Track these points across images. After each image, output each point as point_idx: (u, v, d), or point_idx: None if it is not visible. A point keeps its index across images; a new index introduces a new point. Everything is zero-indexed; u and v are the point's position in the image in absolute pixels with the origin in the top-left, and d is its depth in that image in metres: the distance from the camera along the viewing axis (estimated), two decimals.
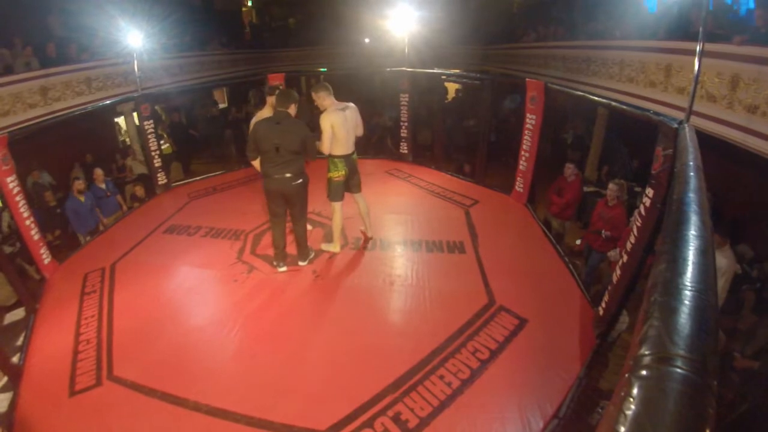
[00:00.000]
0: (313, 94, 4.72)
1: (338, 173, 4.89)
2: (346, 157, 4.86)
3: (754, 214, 5.89)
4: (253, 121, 5.22)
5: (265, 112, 5.30)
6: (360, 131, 4.97)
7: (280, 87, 5.91)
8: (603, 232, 5.35)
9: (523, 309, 4.19)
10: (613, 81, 7.95)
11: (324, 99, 4.66)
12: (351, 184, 5.14)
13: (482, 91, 7.47)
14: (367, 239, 5.52)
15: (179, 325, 4.33)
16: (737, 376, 3.88)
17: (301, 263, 5.03)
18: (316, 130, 4.67)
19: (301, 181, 4.56)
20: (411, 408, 3.19)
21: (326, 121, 4.58)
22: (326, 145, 4.66)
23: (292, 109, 4.45)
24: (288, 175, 4.46)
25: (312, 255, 5.14)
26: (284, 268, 4.95)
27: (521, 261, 5.04)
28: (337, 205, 5.05)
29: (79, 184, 6.62)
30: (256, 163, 4.65)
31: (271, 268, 4.96)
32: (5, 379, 3.82)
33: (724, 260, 4.20)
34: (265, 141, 4.35)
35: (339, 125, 4.61)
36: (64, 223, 7.00)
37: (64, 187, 7.26)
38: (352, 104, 4.82)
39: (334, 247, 5.26)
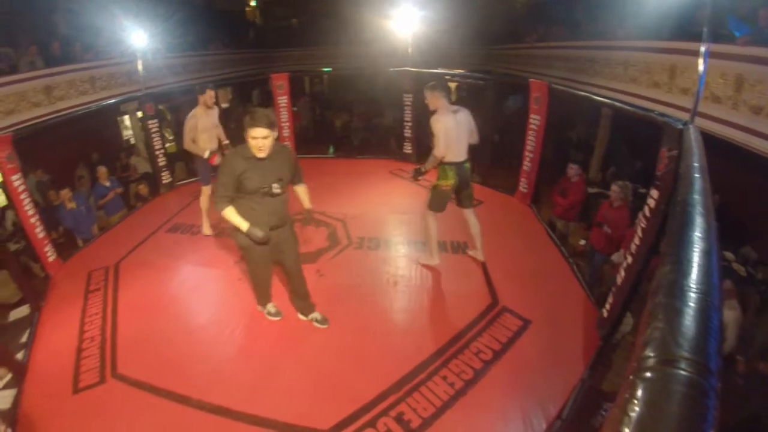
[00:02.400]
0: (428, 93, 4.33)
1: (447, 182, 4.43)
2: (458, 165, 4.40)
3: (759, 215, 5.87)
4: (188, 121, 5.28)
5: (199, 112, 5.31)
6: (475, 138, 4.48)
7: (208, 88, 5.39)
8: (605, 226, 5.33)
9: (526, 310, 4.19)
10: (617, 81, 7.94)
11: (438, 99, 4.27)
12: (462, 196, 4.68)
13: (485, 92, 7.47)
14: (477, 262, 4.99)
15: (183, 324, 4.35)
16: (741, 378, 3.87)
17: (301, 317, 4.20)
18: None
19: (288, 224, 3.64)
20: (414, 408, 3.20)
21: (439, 124, 4.19)
22: (441, 148, 4.23)
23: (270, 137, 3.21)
24: (279, 222, 3.49)
25: (318, 317, 4.15)
26: (279, 317, 4.23)
27: (525, 262, 5.04)
28: (432, 215, 4.66)
29: (65, 193, 6.54)
30: (230, 213, 3.31)
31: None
32: (9, 375, 3.84)
33: (731, 313, 4.19)
34: (251, 180, 3.25)
35: (451, 129, 4.22)
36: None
37: (67, 185, 7.27)
38: (464, 108, 4.42)
39: (433, 260, 4.91)
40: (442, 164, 4.41)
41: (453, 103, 4.41)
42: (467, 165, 4.50)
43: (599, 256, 5.55)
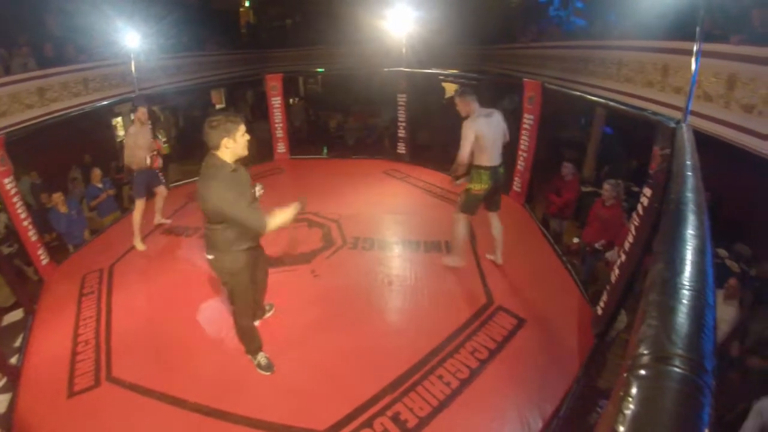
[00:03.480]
0: (458, 99, 4.33)
1: (481, 186, 4.38)
2: (493, 169, 4.35)
3: (752, 213, 5.91)
4: (127, 138, 5.50)
5: (136, 129, 5.48)
6: (506, 138, 4.47)
7: (140, 106, 5.62)
8: (597, 244, 5.36)
9: (521, 309, 4.20)
10: (611, 81, 7.96)
11: (469, 104, 4.26)
12: (492, 200, 4.63)
13: (479, 92, 7.47)
14: (497, 264, 4.98)
15: (178, 326, 4.33)
16: (736, 374, 3.89)
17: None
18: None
19: (213, 257, 3.24)
20: (410, 408, 3.20)
21: (470, 129, 4.15)
22: (464, 153, 4.19)
23: (227, 148, 2.97)
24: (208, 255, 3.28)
25: (261, 356, 3.71)
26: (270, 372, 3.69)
27: (519, 261, 5.05)
28: (463, 218, 4.63)
29: (58, 197, 6.50)
30: (273, 219, 3.08)
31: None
32: (4, 380, 3.82)
33: (730, 310, 4.22)
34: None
35: (484, 133, 4.18)
36: None
37: (60, 188, 7.23)
38: (497, 111, 4.39)
39: (457, 262, 4.87)
40: (477, 168, 4.36)
41: (482, 106, 4.37)
42: (501, 169, 4.46)
43: (592, 254, 5.57)
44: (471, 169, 4.40)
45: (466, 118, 4.26)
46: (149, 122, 5.80)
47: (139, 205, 5.74)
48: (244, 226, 3.04)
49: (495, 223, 4.78)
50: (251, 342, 3.63)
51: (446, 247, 5.29)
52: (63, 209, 6.41)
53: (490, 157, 4.30)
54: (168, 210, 6.54)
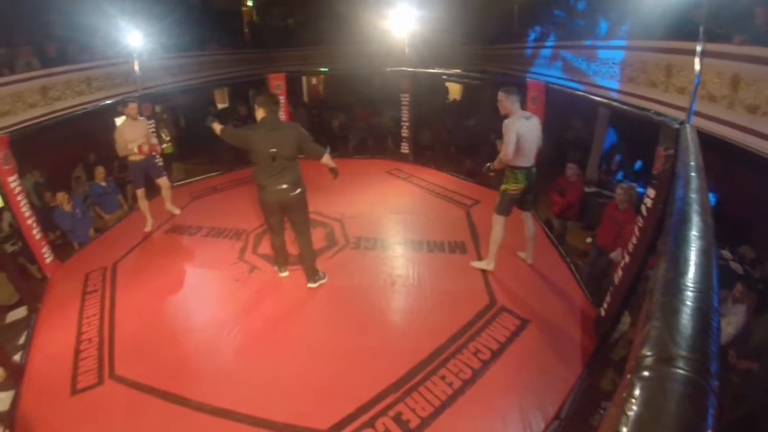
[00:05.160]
0: (503, 97, 4.33)
1: (517, 186, 4.44)
2: (527, 170, 4.42)
3: (757, 214, 5.89)
4: (118, 133, 5.72)
5: (125, 123, 5.80)
6: (540, 142, 4.53)
7: (130, 101, 5.89)
8: (614, 254, 5.31)
9: (524, 309, 4.19)
10: (614, 81, 7.93)
11: (513, 104, 4.29)
12: (525, 200, 4.68)
13: (483, 91, 7.47)
14: (527, 262, 5.03)
15: (181, 325, 4.34)
16: (738, 377, 3.88)
17: (310, 285, 4.65)
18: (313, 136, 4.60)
19: (299, 191, 4.29)
20: (412, 408, 3.20)
21: (511, 128, 4.19)
22: (509, 151, 4.23)
23: (281, 113, 4.27)
24: (289, 185, 4.19)
25: (323, 278, 4.72)
26: (286, 273, 4.84)
27: (523, 261, 5.04)
28: (501, 219, 4.62)
29: (61, 196, 6.55)
30: (218, 130, 4.41)
31: (273, 268, 4.94)
32: (7, 377, 3.83)
33: (735, 318, 4.20)
34: (258, 150, 4.06)
35: (524, 134, 4.22)
36: None
37: (63, 187, 7.25)
38: (535, 115, 4.48)
39: (488, 265, 4.83)
40: (512, 169, 4.41)
41: (524, 109, 4.43)
42: (534, 170, 4.51)
43: (602, 257, 5.53)
44: (506, 169, 4.47)
45: (506, 117, 4.31)
46: (141, 117, 6.07)
47: (140, 194, 6.16)
48: (316, 152, 4.36)
49: (528, 222, 4.85)
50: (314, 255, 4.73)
51: (449, 247, 5.29)
52: (67, 208, 6.42)
53: (526, 159, 4.36)
54: (170, 211, 6.61)
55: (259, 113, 4.14)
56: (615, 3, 8.23)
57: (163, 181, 6.34)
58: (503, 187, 4.55)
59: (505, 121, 4.26)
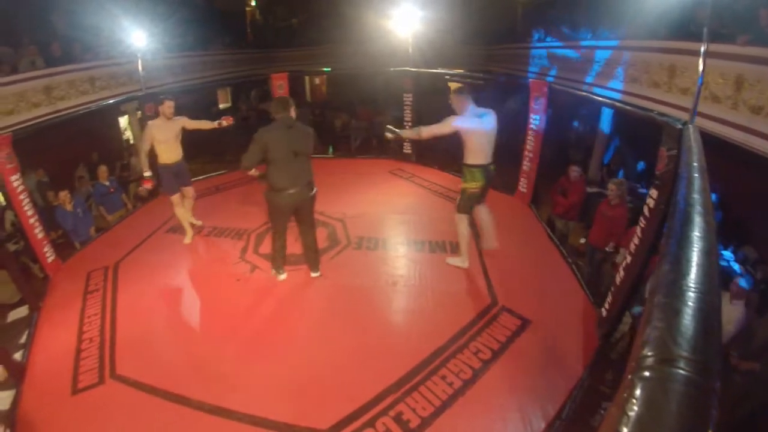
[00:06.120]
0: (454, 95, 4.44)
1: (476, 184, 4.49)
2: (485, 168, 4.46)
3: (759, 215, 5.86)
4: (147, 132, 5.37)
5: (158, 122, 5.39)
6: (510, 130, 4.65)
7: (167, 99, 5.47)
8: (608, 247, 5.33)
9: (525, 310, 4.19)
10: (617, 81, 7.92)
11: (463, 102, 4.37)
12: (483, 195, 4.74)
13: (485, 91, 7.46)
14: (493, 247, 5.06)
15: (182, 324, 4.35)
16: (740, 377, 3.86)
17: (314, 274, 4.81)
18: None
19: (315, 190, 4.41)
20: (413, 408, 3.20)
21: (452, 123, 4.30)
22: (431, 133, 4.39)
23: (293, 112, 4.20)
24: (306, 185, 4.28)
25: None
26: (284, 275, 4.79)
27: (524, 261, 5.04)
28: (464, 218, 4.68)
29: (64, 196, 6.49)
30: (254, 171, 4.36)
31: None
32: (8, 376, 3.84)
33: (738, 311, 4.19)
34: (279, 148, 4.07)
35: (471, 131, 4.31)
36: None
37: (67, 186, 7.27)
38: (491, 110, 4.47)
39: (463, 262, 4.90)
40: (469, 167, 4.46)
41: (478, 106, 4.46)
42: (493, 167, 4.55)
43: (598, 254, 5.54)
44: (464, 168, 4.51)
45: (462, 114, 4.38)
46: (175, 118, 5.48)
47: (175, 200, 5.65)
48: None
49: (484, 211, 4.88)
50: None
51: (451, 247, 5.28)
52: (69, 207, 6.42)
53: (482, 156, 4.41)
54: (171, 210, 6.18)
55: (275, 115, 4.15)
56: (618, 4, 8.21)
57: (188, 190, 5.85)
58: (463, 186, 4.58)
59: (451, 117, 4.35)
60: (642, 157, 8.03)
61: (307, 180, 4.27)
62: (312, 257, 4.78)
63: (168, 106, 5.36)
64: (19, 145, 5.20)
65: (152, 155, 5.50)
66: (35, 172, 7.66)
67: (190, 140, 5.76)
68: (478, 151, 4.37)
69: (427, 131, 4.39)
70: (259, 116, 12.42)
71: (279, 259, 4.72)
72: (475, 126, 4.29)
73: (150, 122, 5.46)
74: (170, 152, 5.47)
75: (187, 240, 5.83)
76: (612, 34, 8.28)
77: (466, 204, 4.63)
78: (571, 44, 9.92)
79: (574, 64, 9.30)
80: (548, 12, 12.31)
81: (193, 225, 6.02)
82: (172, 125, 5.42)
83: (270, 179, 4.18)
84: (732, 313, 4.14)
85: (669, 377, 0.91)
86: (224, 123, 5.55)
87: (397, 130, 4.52)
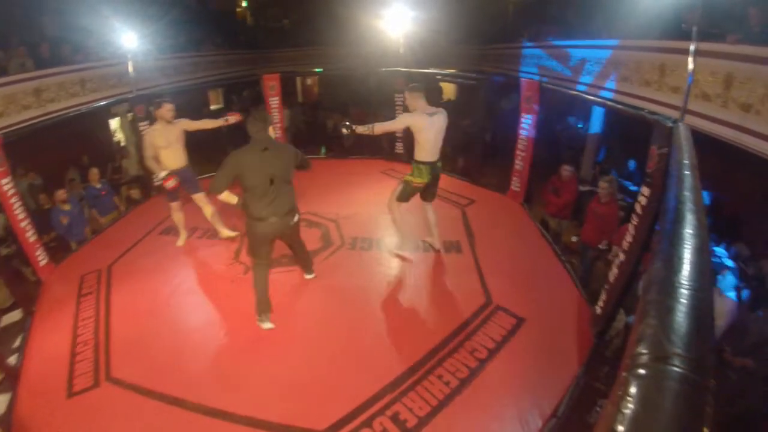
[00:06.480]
0: (407, 94, 4.58)
1: (421, 179, 4.67)
2: (432, 165, 4.64)
3: (751, 212, 5.93)
4: (145, 137, 5.15)
5: (158, 127, 5.13)
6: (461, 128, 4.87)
7: (165, 102, 5.17)
8: (601, 245, 5.37)
9: (520, 308, 4.21)
10: (608, 80, 7.97)
11: (416, 100, 4.50)
12: (427, 192, 4.91)
13: (478, 91, 7.47)
14: (436, 250, 5.23)
15: (177, 326, 4.33)
16: (734, 374, 3.90)
17: (308, 276, 4.77)
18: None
19: (298, 217, 4.03)
20: (410, 408, 3.20)
21: (404, 121, 4.53)
22: (384, 129, 4.53)
23: (272, 131, 3.81)
24: (288, 213, 3.85)
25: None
26: (270, 325, 4.08)
27: (518, 260, 5.06)
28: (398, 206, 4.88)
29: (61, 194, 6.43)
30: (226, 197, 3.84)
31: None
32: (3, 380, 3.81)
33: (728, 303, 4.23)
34: (253, 174, 3.61)
35: (421, 129, 4.44)
36: None
37: (58, 188, 7.23)
38: (442, 109, 4.60)
39: (407, 251, 5.14)
40: (417, 163, 4.63)
41: (434, 105, 4.58)
42: (440, 164, 4.74)
43: (591, 252, 5.58)
44: (413, 163, 4.69)
45: (413, 112, 4.53)
46: (175, 120, 5.20)
47: (175, 206, 5.54)
48: (307, 164, 4.11)
49: (430, 211, 5.09)
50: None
51: (446, 246, 5.29)
52: (66, 207, 6.37)
53: (429, 153, 4.58)
54: (166, 210, 5.99)
55: (252, 133, 3.70)
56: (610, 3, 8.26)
57: (199, 198, 5.56)
58: (407, 178, 4.75)
59: (404, 114, 4.60)
60: (633, 156, 8.09)
61: (288, 207, 3.83)
62: (303, 261, 4.70)
63: (167, 109, 5.11)
64: (9, 148, 5.15)
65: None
66: (26, 175, 7.60)
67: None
68: (427, 149, 4.54)
69: (380, 127, 4.49)
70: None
71: (263, 302, 4.06)
72: (424, 124, 4.43)
73: (149, 128, 5.23)
74: (174, 158, 5.24)
75: (181, 242, 5.78)
76: (603, 33, 8.33)
77: (407, 195, 4.80)
78: (564, 44, 9.96)
79: (566, 65, 9.35)
80: (539, 11, 12.35)
81: (230, 237, 5.74)
82: (173, 129, 5.16)
83: (247, 207, 3.76)
84: (722, 305, 4.18)
85: (663, 374, 0.92)
86: (231, 119, 5.34)
87: (352, 126, 4.57)
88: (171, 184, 5.11)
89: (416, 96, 4.50)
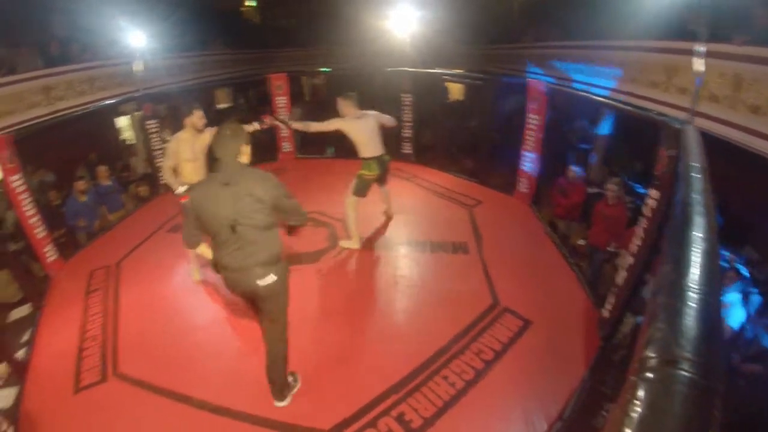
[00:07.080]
0: (340, 100, 5.04)
1: (371, 173, 5.10)
2: (378, 159, 5.09)
3: (760, 216, 5.87)
4: (169, 145, 4.45)
5: (185, 136, 4.41)
6: (392, 123, 5.35)
7: (198, 110, 4.43)
8: (611, 247, 5.35)
9: (527, 310, 4.20)
10: (615, 81, 7.92)
11: (347, 107, 4.98)
12: (381, 181, 5.43)
13: (485, 92, 7.46)
14: (389, 218, 5.99)
15: (184, 323, 4.35)
16: (743, 380, 3.87)
17: (278, 403, 3.27)
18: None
19: (275, 279, 2.84)
20: (415, 408, 3.21)
21: (334, 123, 4.95)
22: (319, 128, 4.97)
23: (245, 154, 2.75)
24: (254, 268, 2.76)
25: (296, 386, 3.43)
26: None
27: (525, 262, 5.05)
28: (354, 200, 5.20)
29: (81, 184, 6.57)
30: (203, 250, 3.24)
31: None
32: (11, 374, 3.85)
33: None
34: (208, 217, 2.67)
35: (357, 131, 4.94)
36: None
37: (67, 186, 7.26)
38: (372, 112, 5.12)
39: (354, 244, 5.39)
40: (365, 159, 5.07)
41: (363, 109, 5.09)
42: (386, 157, 5.22)
43: (600, 255, 5.55)
44: (362, 160, 5.12)
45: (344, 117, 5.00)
46: (206, 130, 4.47)
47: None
48: (297, 215, 2.93)
49: (384, 189, 5.71)
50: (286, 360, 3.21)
51: (453, 247, 5.29)
52: (83, 198, 6.47)
53: (373, 150, 5.05)
54: (174, 208, 5.94)
55: (218, 155, 2.71)
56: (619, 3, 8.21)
57: None
58: (360, 172, 5.17)
59: (336, 118, 4.99)
60: (641, 158, 8.03)
61: (260, 259, 2.75)
62: (274, 377, 3.19)
63: (199, 117, 4.39)
64: (19, 145, 5.20)
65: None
66: (36, 172, 7.65)
67: None
68: (366, 146, 5.00)
69: (315, 126, 4.98)
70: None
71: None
72: (352, 127, 4.92)
73: (175, 136, 4.46)
74: (198, 172, 4.47)
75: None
76: (610, 33, 8.29)
77: (362, 189, 5.18)
78: (570, 44, 9.92)
79: (573, 66, 9.31)
80: (545, 10, 12.29)
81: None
82: (202, 139, 4.41)
83: (213, 252, 2.89)
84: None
85: (672, 378, 0.92)
86: (267, 122, 4.78)
87: (288, 121, 5.11)
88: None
89: (347, 103, 4.98)
